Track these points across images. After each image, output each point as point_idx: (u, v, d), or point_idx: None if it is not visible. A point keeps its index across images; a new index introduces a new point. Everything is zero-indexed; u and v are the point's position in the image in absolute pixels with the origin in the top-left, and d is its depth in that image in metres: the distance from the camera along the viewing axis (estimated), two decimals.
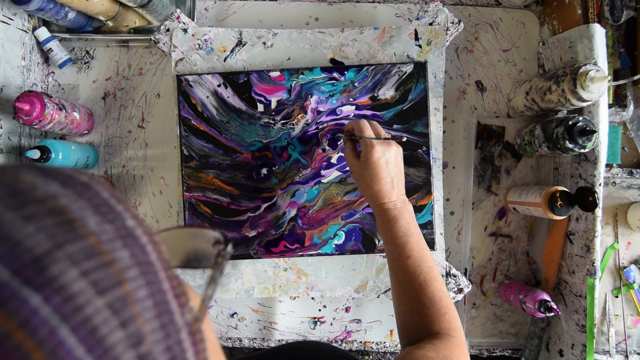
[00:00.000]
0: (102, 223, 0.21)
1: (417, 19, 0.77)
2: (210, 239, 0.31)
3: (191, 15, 0.84)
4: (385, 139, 0.60)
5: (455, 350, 0.49)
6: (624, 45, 0.80)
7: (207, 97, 0.74)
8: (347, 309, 0.84)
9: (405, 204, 0.59)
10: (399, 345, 0.85)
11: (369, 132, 0.60)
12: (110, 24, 0.83)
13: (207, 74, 0.75)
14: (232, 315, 0.85)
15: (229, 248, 0.29)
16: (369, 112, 0.74)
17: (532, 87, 0.76)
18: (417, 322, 0.53)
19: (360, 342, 0.85)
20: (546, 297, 0.74)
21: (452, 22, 0.75)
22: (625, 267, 0.81)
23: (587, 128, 0.66)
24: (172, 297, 0.23)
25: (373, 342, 0.85)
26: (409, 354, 0.47)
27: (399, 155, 0.60)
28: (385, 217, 0.58)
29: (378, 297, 0.75)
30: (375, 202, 0.59)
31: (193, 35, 0.76)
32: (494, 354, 0.85)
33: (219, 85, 0.74)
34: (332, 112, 0.74)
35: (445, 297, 0.54)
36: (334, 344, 0.85)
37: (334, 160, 0.74)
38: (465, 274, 0.83)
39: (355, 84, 0.74)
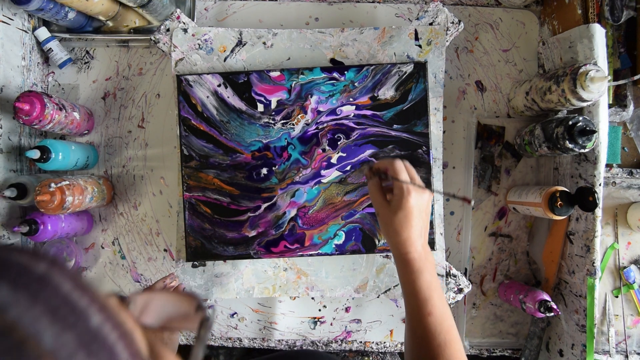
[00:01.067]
0: (61, 333, 0.19)
1: (417, 19, 0.77)
2: (193, 303, 0.30)
3: (191, 15, 0.84)
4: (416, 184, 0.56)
5: None
6: (624, 45, 0.80)
7: (207, 97, 0.74)
8: (347, 309, 0.84)
9: (428, 254, 0.56)
10: (399, 346, 0.85)
11: (405, 175, 0.55)
12: (110, 24, 0.83)
13: (207, 74, 0.75)
14: (232, 315, 0.85)
15: (211, 315, 0.29)
16: (369, 112, 0.74)
17: (532, 87, 0.76)
18: None
19: (360, 342, 0.85)
20: (546, 297, 0.74)
21: (452, 22, 0.75)
22: (625, 267, 0.81)
23: (587, 128, 0.66)
24: None
25: (373, 342, 0.85)
26: None
27: (429, 203, 0.57)
28: (410, 268, 0.54)
29: (378, 297, 0.75)
30: (400, 251, 0.55)
31: (193, 35, 0.76)
32: (494, 354, 0.85)
33: (219, 85, 0.74)
34: (332, 112, 0.74)
35: (463, 358, 0.52)
36: (333, 344, 0.85)
37: (334, 160, 0.74)
38: (465, 274, 0.83)
39: (355, 84, 0.74)
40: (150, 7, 0.78)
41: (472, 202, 0.57)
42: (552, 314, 0.71)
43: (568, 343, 0.77)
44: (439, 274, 0.74)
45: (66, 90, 0.86)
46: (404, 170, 0.56)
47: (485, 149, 0.84)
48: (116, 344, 0.21)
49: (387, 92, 0.74)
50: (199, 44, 0.76)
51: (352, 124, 0.74)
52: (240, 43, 0.76)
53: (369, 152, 0.74)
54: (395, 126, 0.74)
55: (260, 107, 0.74)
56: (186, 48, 0.76)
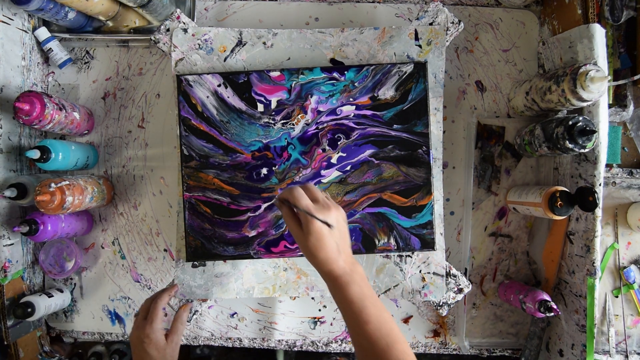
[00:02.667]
0: None
1: (417, 19, 0.77)
2: None
3: (191, 15, 0.84)
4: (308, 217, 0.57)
5: None
6: (624, 45, 0.80)
7: (207, 97, 0.74)
8: None
9: (354, 266, 0.58)
10: None
11: (304, 201, 0.57)
12: (110, 24, 0.83)
13: (207, 73, 0.75)
14: (232, 315, 0.85)
15: None
16: (369, 112, 0.74)
17: (532, 87, 0.76)
18: None
19: None
20: (546, 297, 0.74)
21: (452, 22, 0.75)
22: (625, 267, 0.81)
23: (587, 128, 0.66)
24: None
25: None
26: None
27: (339, 219, 0.59)
28: (337, 284, 0.57)
29: (378, 297, 0.75)
30: (323, 270, 0.57)
31: (193, 35, 0.76)
32: (494, 354, 0.85)
33: (219, 85, 0.74)
34: (332, 112, 0.74)
35: (409, 357, 0.53)
36: (333, 344, 0.85)
37: (334, 160, 0.74)
38: (465, 274, 0.83)
39: (355, 84, 0.74)
40: (150, 7, 0.78)
41: (331, 226, 0.57)
42: (552, 314, 0.71)
43: (568, 343, 0.77)
44: (438, 274, 0.74)
45: (66, 90, 0.86)
46: (303, 195, 0.58)
47: (485, 149, 0.84)
48: None
49: (387, 92, 0.74)
50: (199, 44, 0.76)
51: (352, 124, 0.74)
52: (240, 43, 0.76)
53: (369, 152, 0.74)
54: (395, 126, 0.74)
55: (260, 107, 0.74)
56: (186, 48, 0.76)
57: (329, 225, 0.56)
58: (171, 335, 0.67)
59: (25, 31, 0.81)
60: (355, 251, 0.74)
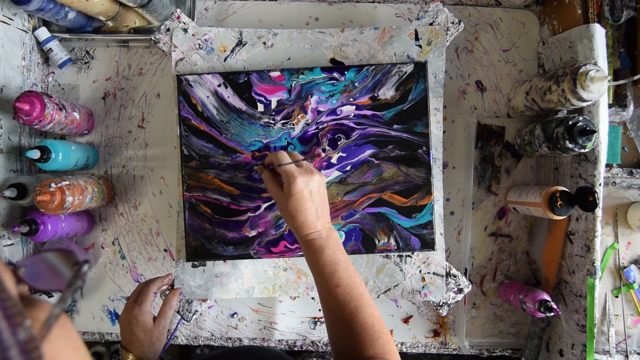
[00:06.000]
0: None
1: (417, 19, 0.77)
2: (71, 261, 0.31)
3: (191, 15, 0.84)
4: (304, 159, 0.60)
5: None
6: (624, 45, 0.80)
7: (207, 97, 0.74)
8: None
9: (331, 232, 0.59)
10: (399, 346, 0.85)
11: (287, 162, 0.60)
12: (110, 24, 0.83)
13: (207, 73, 0.75)
14: (232, 315, 0.85)
15: (85, 268, 0.30)
16: (369, 112, 0.74)
17: (532, 87, 0.76)
18: (352, 349, 0.53)
19: None
20: (546, 297, 0.74)
21: (452, 22, 0.75)
22: (625, 267, 0.81)
23: (587, 128, 0.66)
24: (0, 317, 0.24)
25: None
26: None
27: (322, 184, 0.60)
28: (311, 248, 0.58)
29: (378, 297, 0.75)
30: (300, 233, 0.59)
31: (193, 35, 0.76)
32: (494, 354, 0.85)
33: (219, 85, 0.74)
34: (332, 112, 0.74)
35: (377, 322, 0.54)
36: None
37: (334, 160, 0.74)
38: (465, 274, 0.83)
39: (356, 84, 0.74)
40: (150, 7, 0.78)
41: (322, 153, 0.61)
42: (552, 314, 0.71)
43: (568, 343, 0.77)
44: (438, 274, 0.74)
45: (66, 90, 0.86)
46: (286, 157, 0.60)
47: (485, 149, 0.84)
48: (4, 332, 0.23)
49: (387, 92, 0.74)
50: (199, 44, 0.76)
51: (352, 124, 0.74)
52: (240, 43, 0.76)
53: (369, 152, 0.74)
54: (395, 126, 0.74)
55: (261, 107, 0.74)
56: (186, 48, 0.76)
57: (299, 165, 0.58)
58: (159, 319, 0.67)
59: (25, 31, 0.81)
60: (355, 251, 0.74)
